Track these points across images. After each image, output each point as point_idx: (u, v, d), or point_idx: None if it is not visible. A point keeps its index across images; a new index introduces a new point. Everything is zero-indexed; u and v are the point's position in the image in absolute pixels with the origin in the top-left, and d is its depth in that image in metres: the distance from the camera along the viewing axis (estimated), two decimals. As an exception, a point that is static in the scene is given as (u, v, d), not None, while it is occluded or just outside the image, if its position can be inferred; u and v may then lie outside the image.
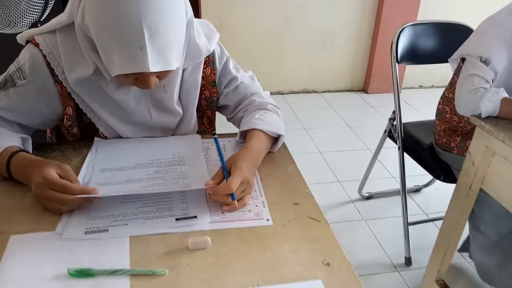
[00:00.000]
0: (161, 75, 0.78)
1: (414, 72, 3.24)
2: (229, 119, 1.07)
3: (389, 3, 2.97)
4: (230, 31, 2.95)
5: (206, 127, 1.05)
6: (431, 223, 1.84)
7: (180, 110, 0.94)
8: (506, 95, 1.13)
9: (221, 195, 0.73)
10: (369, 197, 2.05)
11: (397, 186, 1.79)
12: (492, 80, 1.22)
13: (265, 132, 0.89)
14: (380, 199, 2.06)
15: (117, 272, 0.61)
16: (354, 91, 3.40)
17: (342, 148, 2.53)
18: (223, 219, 0.73)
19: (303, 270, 0.63)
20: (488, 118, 1.13)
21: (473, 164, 1.17)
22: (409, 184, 2.11)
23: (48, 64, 0.84)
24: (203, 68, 0.94)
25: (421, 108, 3.05)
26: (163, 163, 0.87)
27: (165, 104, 0.91)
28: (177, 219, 0.72)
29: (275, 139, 0.92)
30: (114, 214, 0.73)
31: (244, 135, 0.93)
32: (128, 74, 0.74)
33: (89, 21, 0.71)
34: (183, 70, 0.91)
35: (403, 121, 1.72)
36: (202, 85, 0.96)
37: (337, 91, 3.38)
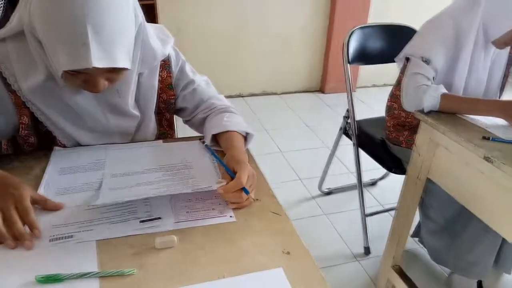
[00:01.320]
0: (111, 78, 0.79)
1: (367, 71, 3.40)
2: (186, 122, 1.10)
3: (340, 7, 3.10)
4: (189, 35, 2.97)
5: (165, 130, 1.07)
6: (386, 213, 1.96)
7: (138, 114, 0.96)
8: (445, 91, 1.24)
9: (233, 193, 0.76)
10: (329, 193, 2.14)
11: (355, 180, 1.88)
12: (434, 78, 1.33)
13: (238, 133, 0.95)
14: (339, 194, 2.15)
15: (85, 275, 0.63)
16: (311, 91, 3.51)
17: (302, 147, 2.62)
18: (188, 218, 0.76)
19: (265, 260, 0.67)
20: (430, 112, 1.23)
21: (420, 155, 1.27)
22: (366, 178, 2.23)
23: (0, 74, 0.83)
24: (160, 72, 0.97)
25: (374, 105, 3.21)
26: (171, 167, 0.90)
27: (121, 108, 0.92)
28: (141, 221, 0.74)
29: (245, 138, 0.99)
30: (78, 221, 0.74)
31: (215, 139, 0.97)
32: (76, 75, 0.75)
33: (35, 19, 0.72)
34: (140, 74, 0.93)
35: (357, 119, 1.82)
36: (160, 88, 0.99)
37: (296, 92, 3.48)
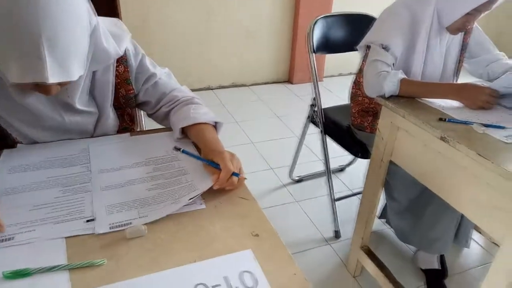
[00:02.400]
0: (63, 83, 0.78)
1: (333, 61, 3.46)
2: (150, 115, 1.10)
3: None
4: (154, 28, 2.92)
5: (128, 124, 1.07)
6: (355, 197, 2.02)
7: (94, 110, 0.96)
8: (404, 76, 1.29)
9: (226, 181, 0.79)
10: (299, 180, 2.19)
11: (324, 167, 1.93)
12: (393, 64, 1.38)
13: (207, 123, 0.97)
14: (309, 181, 2.20)
15: (54, 268, 0.63)
16: (280, 82, 3.55)
17: (272, 137, 2.65)
18: (155, 208, 0.76)
19: (234, 243, 0.69)
20: (391, 97, 1.29)
21: (382, 139, 1.33)
22: (335, 165, 2.29)
23: None
24: (116, 67, 0.96)
25: (341, 94, 3.28)
26: (159, 160, 0.91)
27: (74, 107, 0.92)
28: (87, 221, 0.73)
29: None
30: (20, 222, 0.72)
31: (183, 131, 0.98)
32: (27, 83, 0.73)
33: None
34: (95, 71, 0.92)
35: (324, 107, 1.86)
36: (117, 83, 0.98)
37: (265, 83, 3.50)
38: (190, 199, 0.76)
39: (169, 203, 0.77)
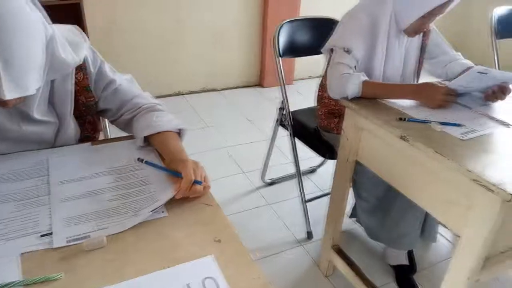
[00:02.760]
0: None
1: (303, 64, 3.51)
2: (112, 122, 1.09)
3: (273, 1, 3.17)
4: (122, 34, 2.87)
5: (90, 133, 1.05)
6: (326, 197, 2.05)
7: (53, 120, 0.94)
8: (365, 78, 1.33)
9: (188, 190, 0.79)
10: (271, 183, 2.20)
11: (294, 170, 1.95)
12: (356, 66, 1.42)
13: (171, 131, 0.96)
14: (281, 183, 2.22)
15: (7, 286, 0.61)
16: (251, 86, 3.56)
17: (244, 141, 2.65)
18: (115, 219, 0.75)
19: (196, 249, 0.69)
20: (354, 99, 1.32)
21: (347, 140, 1.36)
22: (306, 166, 2.32)
23: None
24: (75, 74, 0.95)
25: (311, 96, 3.30)
26: (122, 169, 0.89)
27: (32, 117, 0.90)
28: (42, 235, 0.70)
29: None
30: None
31: (146, 139, 0.97)
32: None
33: None
34: (53, 80, 0.91)
35: (295, 109, 1.89)
36: (77, 91, 0.96)
37: (235, 88, 3.51)
38: (151, 211, 0.76)
39: (130, 215, 0.76)
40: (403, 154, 1.15)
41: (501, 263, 1.05)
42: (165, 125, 0.95)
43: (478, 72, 1.15)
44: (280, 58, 1.77)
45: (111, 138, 1.06)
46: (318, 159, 2.30)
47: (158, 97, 3.31)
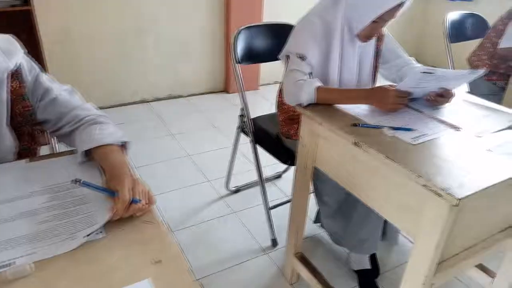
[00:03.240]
0: None
1: (268, 69, 3.50)
2: (52, 134, 1.04)
3: (235, 8, 3.16)
4: (79, 42, 2.78)
5: (28, 145, 1.00)
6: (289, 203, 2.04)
7: None
8: (319, 84, 1.32)
9: (126, 211, 0.74)
10: (236, 191, 2.17)
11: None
12: (311, 73, 1.41)
13: (114, 144, 0.92)
14: (246, 191, 2.19)
15: None
16: (217, 92, 3.53)
17: (209, 148, 2.61)
18: (47, 244, 0.70)
19: (133, 273, 0.65)
20: (309, 105, 1.31)
21: (304, 146, 1.35)
22: (272, 172, 2.30)
23: None
24: (11, 82, 0.90)
25: (278, 101, 3.33)
26: (59, 187, 0.83)
27: None
28: None
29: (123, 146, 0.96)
30: None
31: (89, 153, 0.92)
32: None
33: None
34: None
35: (258, 116, 1.87)
36: (13, 100, 0.92)
37: (202, 94, 3.47)
38: (87, 235, 0.71)
39: (64, 238, 0.71)
40: (357, 160, 1.15)
41: (456, 264, 1.06)
42: (106, 138, 0.91)
43: (422, 72, 1.17)
44: (238, 64, 1.75)
45: (50, 154, 1.00)
46: (282, 165, 2.29)
47: (121, 105, 3.25)
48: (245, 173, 2.32)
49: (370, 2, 1.28)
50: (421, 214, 0.98)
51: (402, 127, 1.15)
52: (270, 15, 3.25)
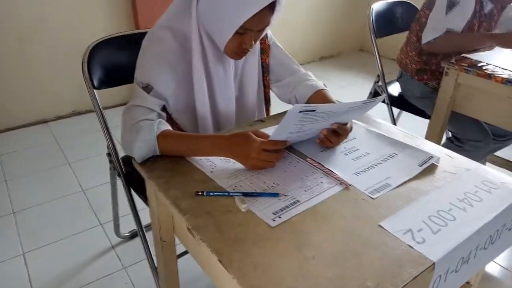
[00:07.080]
0: None
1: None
2: None
3: (142, 10, 2.73)
4: None
5: None
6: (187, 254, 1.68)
7: None
8: (166, 127, 0.94)
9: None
10: (132, 236, 1.79)
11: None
12: (166, 107, 1.04)
13: None
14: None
15: None
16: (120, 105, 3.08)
17: (105, 180, 2.19)
18: None
19: None
20: (149, 160, 0.93)
21: (154, 213, 0.98)
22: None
23: None
24: None
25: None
26: None
27: None
28: None
29: None
30: None
31: None
32: None
33: None
34: None
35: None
36: None
37: (113, 107, 3.00)
38: None
39: None
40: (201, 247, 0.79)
41: None
42: None
43: (300, 112, 0.81)
44: (95, 90, 1.35)
45: None
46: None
47: (14, 128, 2.73)
48: (140, 211, 1.93)
49: (225, 11, 0.91)
50: None
51: (265, 192, 0.80)
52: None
